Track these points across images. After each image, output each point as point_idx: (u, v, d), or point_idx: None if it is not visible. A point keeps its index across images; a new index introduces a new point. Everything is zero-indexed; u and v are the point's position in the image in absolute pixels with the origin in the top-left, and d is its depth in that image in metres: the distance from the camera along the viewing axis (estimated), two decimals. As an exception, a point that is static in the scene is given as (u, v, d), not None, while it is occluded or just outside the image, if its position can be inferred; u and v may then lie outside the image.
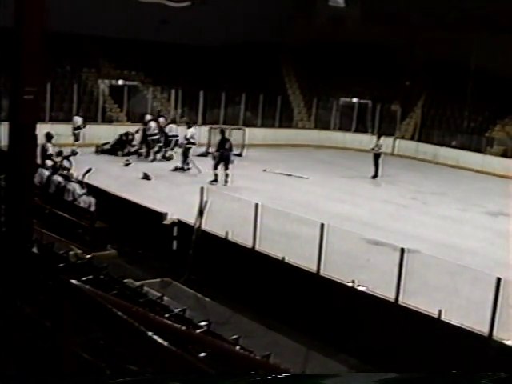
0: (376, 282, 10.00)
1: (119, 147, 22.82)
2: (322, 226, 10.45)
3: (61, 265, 7.91)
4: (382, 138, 23.69)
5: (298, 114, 31.04)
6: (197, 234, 12.01)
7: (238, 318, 10.28)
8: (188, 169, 20.88)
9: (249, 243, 11.36)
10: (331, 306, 10.13)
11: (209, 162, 20.14)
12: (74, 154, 17.79)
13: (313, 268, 10.38)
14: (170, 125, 23.05)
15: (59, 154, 15.57)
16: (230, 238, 11.60)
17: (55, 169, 14.34)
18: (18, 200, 8.28)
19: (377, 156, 22.65)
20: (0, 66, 11.74)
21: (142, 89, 27.38)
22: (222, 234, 11.72)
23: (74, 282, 4.55)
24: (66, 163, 14.79)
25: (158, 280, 11.38)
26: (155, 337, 3.89)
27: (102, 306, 4.23)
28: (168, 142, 22.51)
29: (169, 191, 17.46)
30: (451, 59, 28.18)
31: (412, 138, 29.30)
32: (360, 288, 9.88)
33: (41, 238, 9.37)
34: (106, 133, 23.69)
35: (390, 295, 9.45)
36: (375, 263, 11.56)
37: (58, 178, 13.86)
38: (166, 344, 3.89)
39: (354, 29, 30.51)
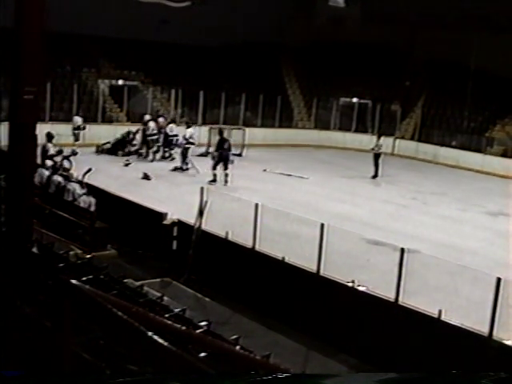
0: (376, 281, 10.00)
1: (120, 147, 22.83)
2: (322, 225, 10.45)
3: (61, 265, 7.91)
4: (382, 138, 23.70)
5: (298, 114, 31.04)
6: (197, 234, 12.01)
7: (237, 318, 10.28)
8: (187, 169, 20.89)
9: (249, 243, 11.36)
10: (331, 306, 10.13)
11: (209, 161, 20.14)
12: (74, 153, 17.78)
13: (313, 268, 10.38)
14: (171, 124, 23.05)
15: (59, 152, 15.58)
16: (229, 238, 11.60)
17: (55, 169, 14.34)
18: (18, 200, 8.29)
19: (377, 156, 22.65)
20: (0, 66, 11.74)
21: (142, 89, 27.38)
22: (221, 234, 11.72)
23: (73, 282, 4.55)
24: (66, 163, 14.80)
25: (158, 280, 11.38)
26: (155, 337, 3.89)
27: (102, 305, 4.23)
28: (169, 141, 22.51)
29: (169, 191, 17.46)
30: (451, 59, 28.18)
31: (412, 138, 29.29)
32: (360, 288, 9.88)
33: (41, 238, 9.37)
34: (106, 133, 23.69)
35: (390, 295, 9.45)
36: (375, 263, 11.56)
37: (58, 178, 13.86)
38: (166, 344, 3.89)
39: (354, 29, 30.49)
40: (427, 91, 30.14)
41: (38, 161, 12.54)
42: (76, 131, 22.39)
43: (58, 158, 15.13)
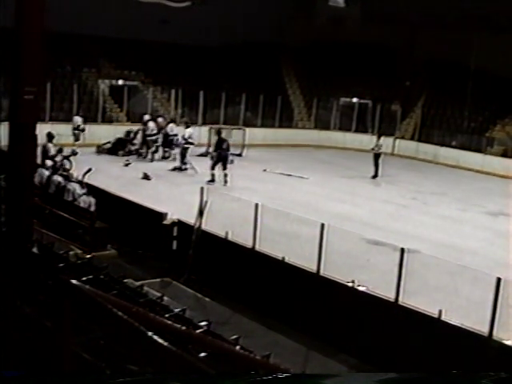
0: (376, 281, 10.00)
1: (120, 146, 22.83)
2: (322, 225, 10.45)
3: (61, 265, 7.92)
4: (382, 138, 23.70)
5: (298, 114, 31.04)
6: (197, 233, 12.01)
7: (238, 317, 10.28)
8: (185, 169, 20.90)
9: (249, 243, 11.36)
10: (331, 306, 10.13)
11: (208, 162, 20.14)
12: (74, 153, 17.77)
13: (313, 268, 10.37)
14: (171, 124, 23.06)
15: (59, 151, 15.59)
16: (229, 238, 11.60)
17: (55, 169, 14.35)
18: (18, 200, 8.29)
19: (377, 156, 22.65)
20: (0, 66, 11.75)
21: (142, 89, 27.38)
22: (221, 234, 11.72)
23: (74, 281, 4.55)
24: (66, 163, 14.80)
25: (158, 280, 11.38)
26: (155, 337, 3.89)
27: (102, 305, 4.23)
28: (169, 141, 22.51)
29: (169, 191, 17.46)
30: (451, 59, 28.18)
31: (412, 138, 29.29)
32: (360, 288, 9.88)
33: (41, 237, 9.38)
34: (106, 133, 23.69)
35: (390, 295, 9.45)
36: (375, 263, 11.56)
37: (58, 178, 13.86)
38: (166, 344, 3.89)
39: (354, 29, 30.49)
40: (427, 91, 30.15)
41: (38, 161, 12.54)
42: (76, 131, 22.39)
43: (58, 158, 15.14)
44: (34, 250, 8.21)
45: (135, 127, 23.46)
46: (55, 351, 4.64)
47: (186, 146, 21.07)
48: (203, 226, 12.04)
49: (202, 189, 12.47)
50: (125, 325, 4.05)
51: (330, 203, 17.36)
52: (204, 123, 26.42)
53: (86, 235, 12.33)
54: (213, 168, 19.24)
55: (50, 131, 16.60)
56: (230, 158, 20.13)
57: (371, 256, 11.91)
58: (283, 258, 10.72)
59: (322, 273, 10.33)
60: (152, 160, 22.20)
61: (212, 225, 11.97)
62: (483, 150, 26.75)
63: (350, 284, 9.93)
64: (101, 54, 27.01)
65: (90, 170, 14.13)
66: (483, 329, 8.62)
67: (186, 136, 21.25)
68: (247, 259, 11.35)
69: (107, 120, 25.55)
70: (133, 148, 22.84)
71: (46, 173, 14.05)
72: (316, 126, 30.59)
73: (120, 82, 27.29)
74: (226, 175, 19.04)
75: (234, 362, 4.05)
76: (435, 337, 8.94)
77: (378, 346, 9.37)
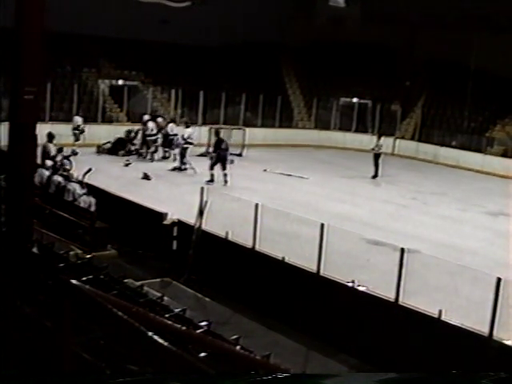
0: (376, 281, 10.00)
1: (120, 146, 22.84)
2: (322, 226, 10.45)
3: (61, 265, 7.92)
4: (382, 138, 23.71)
5: (298, 113, 31.04)
6: (197, 233, 12.01)
7: (238, 317, 10.28)
8: (185, 169, 20.90)
9: (249, 243, 11.36)
10: (331, 306, 10.13)
11: (208, 162, 20.13)
12: (74, 153, 17.77)
13: (313, 268, 10.37)
14: (171, 124, 23.06)
15: (59, 151, 15.58)
16: (230, 238, 11.60)
17: (55, 169, 14.35)
18: (18, 200, 8.29)
19: (377, 156, 22.65)
20: (0, 66, 11.75)
21: (142, 89, 27.38)
22: (222, 234, 11.72)
23: (74, 281, 4.55)
24: (66, 163, 14.79)
25: (158, 280, 11.38)
26: (155, 337, 3.88)
27: (102, 305, 4.23)
28: (169, 141, 22.50)
29: (169, 191, 17.46)
30: (451, 59, 28.18)
31: (412, 138, 29.30)
32: (360, 288, 9.88)
33: (41, 237, 9.38)
34: (106, 133, 23.70)
35: (390, 295, 9.45)
36: (375, 263, 11.56)
37: (58, 178, 13.86)
38: (166, 344, 3.89)
39: (354, 29, 30.50)
40: (427, 91, 30.15)
41: (38, 161, 12.54)
42: (76, 131, 22.39)
43: (58, 158, 15.13)
44: (34, 250, 8.21)
45: (135, 127, 23.46)
46: (55, 351, 4.63)
47: (185, 146, 21.07)
48: (203, 226, 12.04)
49: (202, 189, 12.47)
50: (125, 325, 4.04)
51: (330, 203, 17.36)
52: (204, 123, 26.41)
53: (86, 235, 12.33)
54: (211, 168, 19.23)
55: (50, 131, 16.59)
56: (230, 158, 20.14)
57: (371, 256, 11.92)
58: (283, 258, 10.72)
59: (322, 273, 10.33)
60: (152, 160, 22.21)
61: (212, 225, 11.97)
62: (483, 150, 26.75)
63: (350, 284, 9.94)
64: (101, 54, 27.01)
65: (90, 169, 14.13)
66: (483, 329, 8.62)
67: (186, 136, 21.26)
68: (247, 259, 11.35)
69: (107, 120, 25.55)
70: (133, 148, 22.85)
71: (46, 173, 14.05)
72: (316, 126, 30.60)
73: (120, 81, 27.30)
74: (225, 175, 19.03)
75: (234, 361, 4.05)
76: (435, 337, 8.94)
77: (378, 346, 9.37)
